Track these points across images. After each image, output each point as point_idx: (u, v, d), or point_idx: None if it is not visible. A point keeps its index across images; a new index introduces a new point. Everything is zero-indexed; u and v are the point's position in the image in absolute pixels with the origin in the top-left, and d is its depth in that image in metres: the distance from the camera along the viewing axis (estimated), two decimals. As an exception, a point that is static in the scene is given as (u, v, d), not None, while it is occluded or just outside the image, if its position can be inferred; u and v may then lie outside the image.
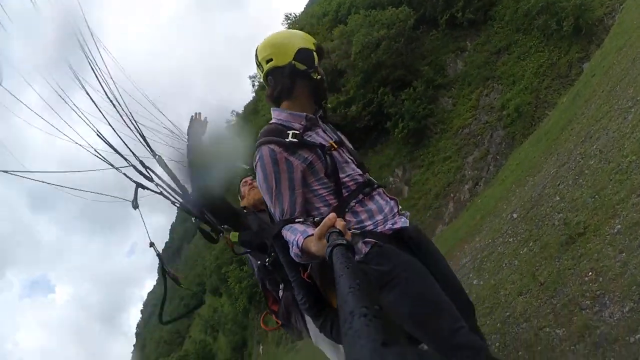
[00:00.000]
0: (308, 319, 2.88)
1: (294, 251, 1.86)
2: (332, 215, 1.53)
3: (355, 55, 31.03)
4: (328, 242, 1.35)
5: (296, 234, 1.86)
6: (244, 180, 3.91)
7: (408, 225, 2.20)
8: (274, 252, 2.56)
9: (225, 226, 3.28)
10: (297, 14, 46.75)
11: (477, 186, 20.90)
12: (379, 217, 2.13)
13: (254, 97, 43.15)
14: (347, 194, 2.12)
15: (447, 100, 26.63)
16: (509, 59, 24.42)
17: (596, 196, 5.78)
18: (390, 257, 1.96)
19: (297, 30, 2.38)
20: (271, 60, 2.25)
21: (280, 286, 3.19)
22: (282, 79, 2.25)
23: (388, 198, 2.27)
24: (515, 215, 12.44)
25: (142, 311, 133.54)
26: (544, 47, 23.02)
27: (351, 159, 2.26)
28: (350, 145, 2.38)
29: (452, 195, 21.75)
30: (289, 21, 45.81)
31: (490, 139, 22.46)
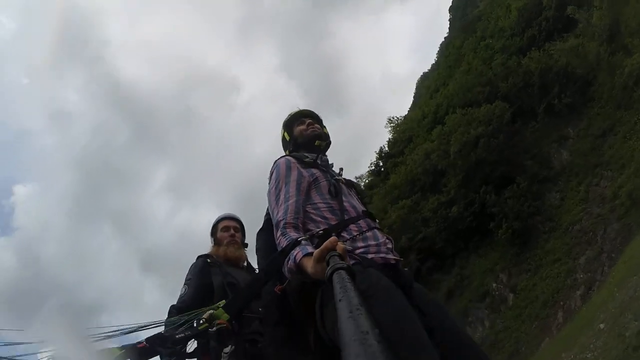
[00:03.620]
0: None
1: (289, 266, 1.88)
2: (333, 238, 1.60)
3: (455, 154, 30.66)
4: (328, 265, 1.34)
5: (295, 248, 1.89)
6: (227, 225, 3.64)
7: (400, 264, 2.15)
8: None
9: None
10: (400, 117, 48.05)
11: (591, 291, 18.40)
12: (372, 243, 2.09)
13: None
14: (347, 218, 2.17)
15: (554, 195, 24.67)
16: (615, 140, 22.40)
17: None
18: (370, 278, 1.84)
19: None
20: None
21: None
22: (284, 146, 2.81)
23: (385, 236, 2.25)
24: (602, 326, 11.53)
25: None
26: (649, 119, 20.67)
27: (357, 198, 2.42)
28: (360, 196, 2.54)
29: (561, 302, 19.41)
30: (392, 124, 47.17)
31: (604, 234, 19.93)
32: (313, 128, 2.67)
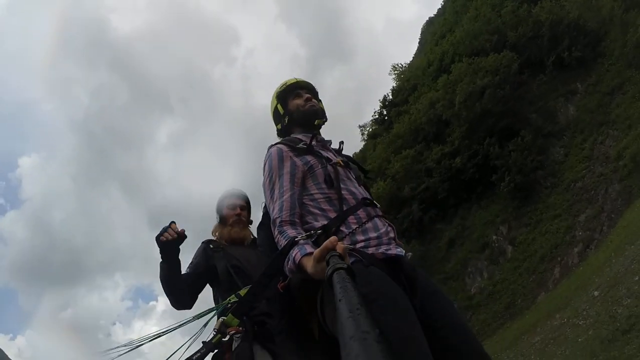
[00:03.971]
0: None
1: (289, 266, 1.86)
2: (334, 238, 1.58)
3: (460, 104, 30.54)
4: (328, 265, 1.33)
5: (293, 248, 1.86)
6: (233, 203, 3.54)
7: (403, 256, 2.10)
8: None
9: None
10: (404, 64, 47.20)
11: (588, 249, 19.08)
12: (372, 235, 2.04)
13: (363, 146, 44.18)
14: (345, 208, 2.10)
15: (558, 151, 24.86)
16: (623, 99, 22.34)
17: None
18: (372, 280, 1.80)
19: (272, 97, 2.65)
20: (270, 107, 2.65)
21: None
22: (276, 119, 2.61)
23: (387, 223, 2.20)
24: (596, 294, 11.91)
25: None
26: (660, 80, 20.59)
27: (356, 180, 2.32)
28: (361, 174, 2.46)
29: (559, 258, 20.11)
30: (396, 72, 46.43)
31: (605, 194, 20.40)
32: (312, 103, 2.52)
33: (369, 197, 2.26)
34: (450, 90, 32.11)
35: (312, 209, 2.12)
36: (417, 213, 29.05)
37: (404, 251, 2.12)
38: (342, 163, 2.29)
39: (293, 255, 1.83)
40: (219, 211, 3.58)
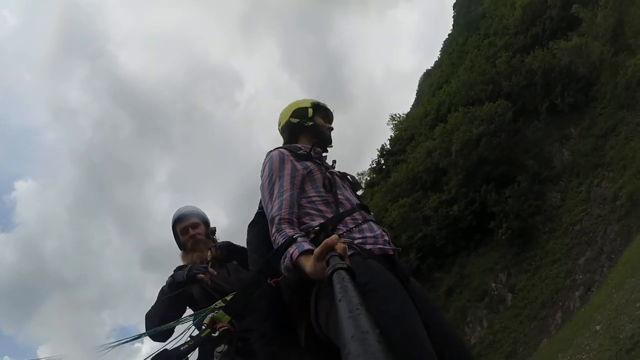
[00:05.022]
0: None
1: (285, 264, 1.83)
2: (334, 236, 1.56)
3: (456, 153, 30.69)
4: (328, 264, 1.33)
5: (291, 246, 1.84)
6: (184, 227, 3.31)
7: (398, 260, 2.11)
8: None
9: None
10: (402, 114, 47.98)
11: (590, 292, 18.37)
12: (369, 235, 2.06)
13: (361, 194, 44.01)
14: (342, 211, 2.15)
15: (555, 195, 24.62)
16: (617, 141, 22.26)
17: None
18: (371, 270, 1.82)
19: (303, 99, 2.76)
20: (279, 125, 2.74)
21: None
22: (285, 134, 2.68)
23: (381, 228, 2.22)
24: (598, 328, 11.63)
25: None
26: (651, 119, 20.62)
27: (351, 190, 2.39)
28: (353, 189, 2.50)
29: (560, 303, 19.39)
30: (394, 122, 47.09)
31: (604, 235, 19.89)
32: (331, 133, 2.67)
33: (363, 204, 2.34)
34: (446, 139, 32.42)
35: (309, 210, 2.16)
36: (414, 261, 28.40)
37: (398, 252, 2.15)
38: (338, 173, 2.40)
39: (290, 252, 1.82)
40: (176, 240, 3.41)
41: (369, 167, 43.79)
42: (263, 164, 2.34)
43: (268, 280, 1.99)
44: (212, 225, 3.47)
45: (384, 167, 42.02)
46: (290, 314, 2.06)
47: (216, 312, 2.45)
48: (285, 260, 1.83)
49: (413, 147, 37.69)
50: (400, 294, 1.79)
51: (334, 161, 2.57)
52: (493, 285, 23.95)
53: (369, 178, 44.31)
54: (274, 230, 2.03)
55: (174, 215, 3.42)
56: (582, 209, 22.05)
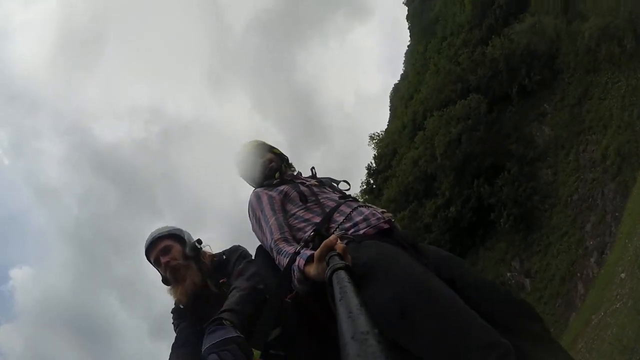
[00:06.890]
0: None
1: (296, 277, 1.81)
2: (333, 236, 1.56)
3: (441, 156, 30.65)
4: (328, 265, 1.31)
5: (296, 258, 1.83)
6: (154, 259, 2.70)
7: (395, 226, 2.08)
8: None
9: None
10: (381, 132, 48.27)
11: (604, 255, 17.90)
12: (359, 219, 2.06)
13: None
14: (328, 210, 2.19)
15: (546, 172, 24.62)
16: (591, 104, 22.58)
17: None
18: (368, 249, 1.79)
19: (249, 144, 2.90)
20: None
21: None
22: (282, 160, 2.85)
23: (372, 207, 2.20)
24: (623, 276, 11.29)
25: None
26: (618, 75, 21.09)
27: (332, 191, 2.43)
28: (341, 190, 2.55)
29: (578, 274, 19.04)
30: (374, 141, 47.32)
31: (603, 196, 19.84)
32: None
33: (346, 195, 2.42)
34: (429, 145, 32.47)
35: (298, 225, 2.21)
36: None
37: (396, 225, 2.12)
38: (316, 183, 2.48)
39: (297, 264, 1.82)
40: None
41: (360, 188, 43.50)
42: (247, 210, 2.46)
43: (285, 298, 2.00)
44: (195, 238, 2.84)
45: (374, 187, 41.90)
46: (316, 318, 1.99)
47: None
48: (295, 273, 1.82)
49: (398, 161, 37.68)
50: (403, 258, 1.76)
51: (313, 168, 2.70)
52: (508, 274, 23.48)
53: (362, 200, 43.56)
54: (275, 254, 2.07)
55: (144, 246, 2.78)
56: (575, 178, 22.01)
